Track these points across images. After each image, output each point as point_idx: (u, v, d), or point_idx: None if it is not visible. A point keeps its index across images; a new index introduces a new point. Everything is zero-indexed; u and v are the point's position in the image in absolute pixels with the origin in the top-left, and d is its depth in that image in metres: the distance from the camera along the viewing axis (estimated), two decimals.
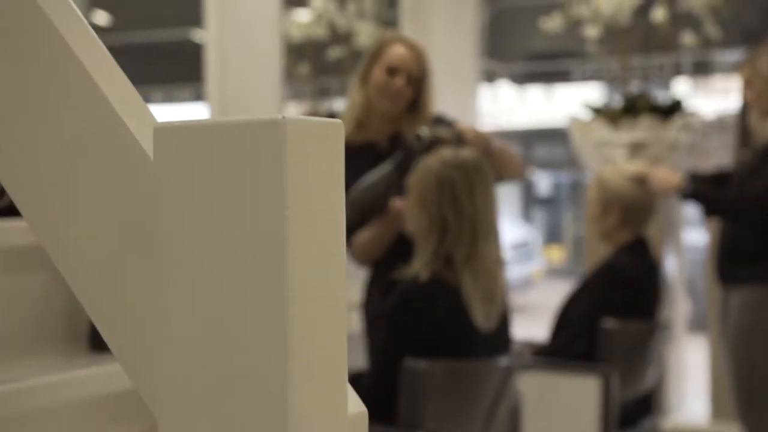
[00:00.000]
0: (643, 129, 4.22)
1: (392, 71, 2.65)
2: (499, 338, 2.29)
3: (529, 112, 12.03)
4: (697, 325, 6.31)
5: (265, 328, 0.78)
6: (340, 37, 4.98)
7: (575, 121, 4.43)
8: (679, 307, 4.46)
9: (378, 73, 2.66)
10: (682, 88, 6.03)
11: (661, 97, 4.40)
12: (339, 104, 5.03)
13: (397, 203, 2.49)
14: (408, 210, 2.30)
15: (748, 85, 3.34)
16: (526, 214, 17.23)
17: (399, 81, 2.64)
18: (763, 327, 3.24)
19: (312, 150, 0.80)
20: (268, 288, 0.78)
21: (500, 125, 12.60)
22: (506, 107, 12.10)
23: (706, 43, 4.35)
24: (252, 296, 0.79)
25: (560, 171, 16.27)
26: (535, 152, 15.18)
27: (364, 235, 2.61)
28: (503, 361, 2.28)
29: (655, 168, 3.45)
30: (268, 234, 0.78)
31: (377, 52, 2.68)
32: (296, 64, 5.03)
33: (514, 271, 9.37)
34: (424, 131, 2.39)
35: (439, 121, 2.74)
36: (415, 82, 2.66)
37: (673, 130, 4.22)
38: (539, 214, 17.69)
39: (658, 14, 4.24)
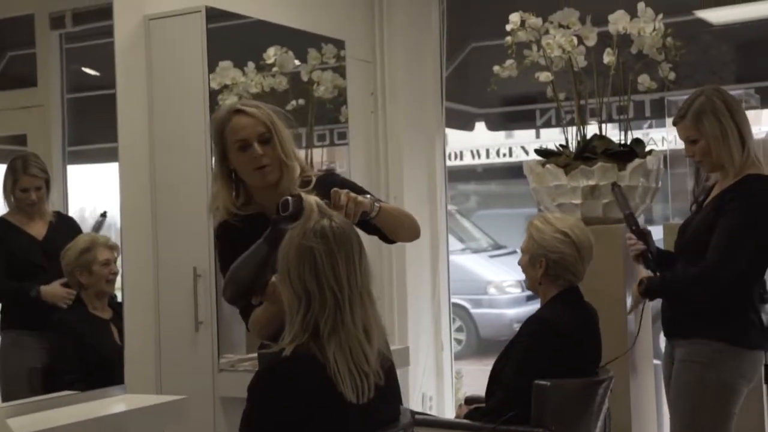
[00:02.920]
0: (596, 175, 4.12)
1: (243, 146, 2.58)
2: (380, 410, 2.20)
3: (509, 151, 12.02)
4: None
5: None
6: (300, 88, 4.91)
7: (530, 165, 4.35)
8: None
9: (234, 157, 2.60)
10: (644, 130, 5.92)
11: (619, 139, 4.31)
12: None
13: (273, 278, 2.42)
14: (279, 283, 2.23)
15: (691, 143, 3.23)
16: None
17: (254, 151, 2.58)
18: (706, 383, 3.11)
19: None
20: None
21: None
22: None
23: (663, 86, 4.26)
24: None
25: None
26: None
27: (258, 312, 2.56)
28: None
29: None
30: None
31: (220, 137, 2.61)
32: None
33: None
34: (287, 201, 2.32)
35: (327, 180, 2.67)
36: (269, 140, 2.59)
37: (627, 175, 4.12)
38: None
39: (607, 57, 4.15)
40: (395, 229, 2.62)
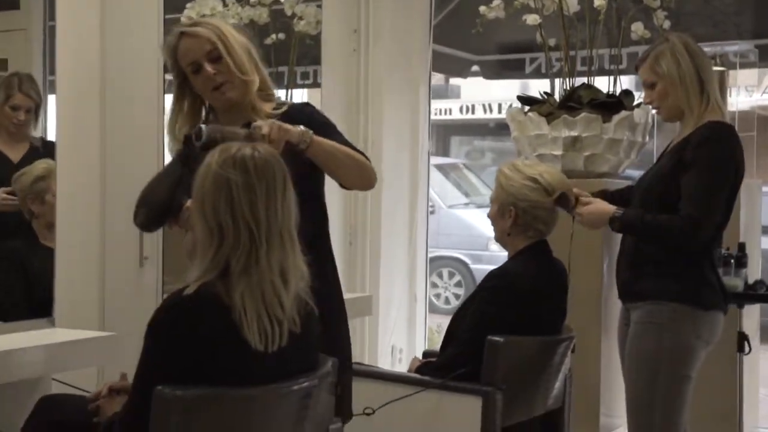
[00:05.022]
0: (579, 125, 3.91)
1: (195, 69, 2.46)
2: (293, 358, 2.03)
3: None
4: None
5: None
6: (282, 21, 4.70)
7: (512, 113, 4.15)
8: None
9: (192, 81, 2.49)
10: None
11: (609, 90, 4.10)
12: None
13: (187, 202, 2.24)
14: (192, 213, 2.04)
15: (649, 87, 3.03)
16: None
17: (206, 71, 2.45)
18: (663, 344, 2.93)
19: None
20: None
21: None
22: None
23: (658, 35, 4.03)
24: None
25: None
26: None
27: (188, 237, 2.37)
28: (299, 383, 2.02)
29: (589, 204, 3.10)
30: None
31: (175, 64, 2.51)
32: None
33: None
34: (200, 129, 2.14)
35: (298, 110, 2.50)
36: (219, 56, 2.44)
37: (611, 127, 3.91)
38: None
39: (597, 1, 3.92)
40: (333, 168, 2.42)
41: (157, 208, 2.28)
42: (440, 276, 10.49)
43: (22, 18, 3.33)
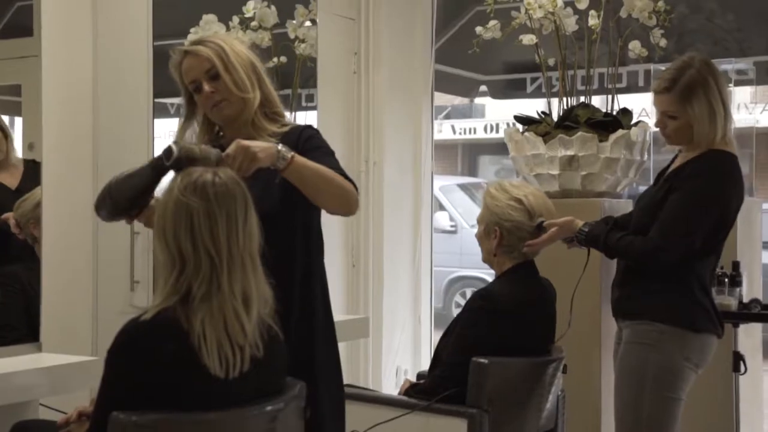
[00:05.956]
0: (575, 144, 3.89)
1: (196, 88, 2.48)
2: (256, 383, 2.03)
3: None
4: None
5: None
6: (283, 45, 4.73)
7: (509, 133, 4.14)
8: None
9: (195, 97, 2.51)
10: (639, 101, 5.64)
11: (607, 109, 4.07)
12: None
13: (153, 201, 2.29)
14: (154, 238, 2.06)
15: (669, 117, 2.95)
16: None
17: (205, 90, 2.46)
18: (649, 365, 2.91)
19: None
20: None
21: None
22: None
23: (655, 54, 4.01)
24: None
25: None
26: None
27: None
28: (260, 407, 2.02)
29: (558, 221, 3.10)
30: None
31: (181, 81, 2.53)
32: None
33: None
34: (171, 150, 2.15)
35: (296, 133, 2.48)
36: (218, 74, 2.45)
37: (608, 147, 3.89)
38: None
39: (592, 20, 3.90)
40: (310, 191, 2.36)
41: (121, 205, 2.30)
42: (464, 296, 10.44)
43: (35, 45, 3.41)
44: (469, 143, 15.33)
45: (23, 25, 3.34)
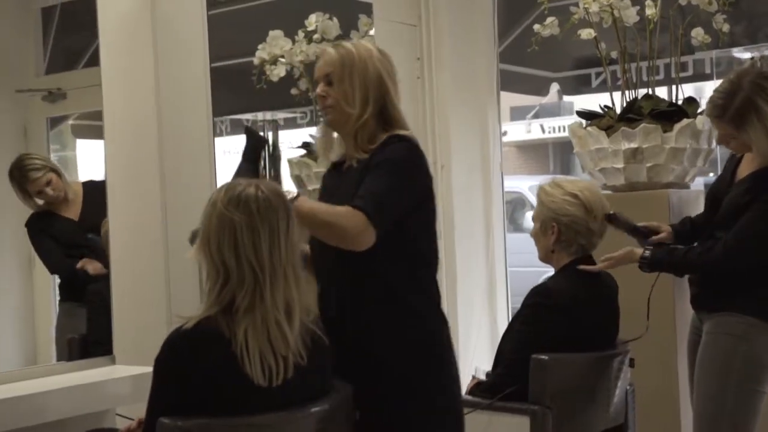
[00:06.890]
0: (639, 137, 3.85)
1: (314, 84, 2.55)
2: (300, 390, 2.09)
3: None
4: None
5: None
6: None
7: (572, 128, 4.12)
8: None
9: None
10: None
11: (670, 98, 4.01)
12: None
13: None
14: (198, 250, 2.13)
15: (732, 138, 2.96)
16: None
17: (318, 90, 2.51)
18: (737, 355, 2.90)
19: None
20: None
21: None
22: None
23: (719, 41, 3.94)
24: None
25: None
26: None
27: None
28: (303, 411, 2.08)
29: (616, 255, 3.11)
30: None
31: None
32: None
33: None
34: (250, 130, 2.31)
35: (381, 148, 2.43)
36: (332, 81, 2.48)
37: (673, 137, 3.83)
38: None
39: (649, 10, 3.85)
40: (311, 231, 2.36)
41: None
42: None
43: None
44: (560, 142, 15.17)
45: None
